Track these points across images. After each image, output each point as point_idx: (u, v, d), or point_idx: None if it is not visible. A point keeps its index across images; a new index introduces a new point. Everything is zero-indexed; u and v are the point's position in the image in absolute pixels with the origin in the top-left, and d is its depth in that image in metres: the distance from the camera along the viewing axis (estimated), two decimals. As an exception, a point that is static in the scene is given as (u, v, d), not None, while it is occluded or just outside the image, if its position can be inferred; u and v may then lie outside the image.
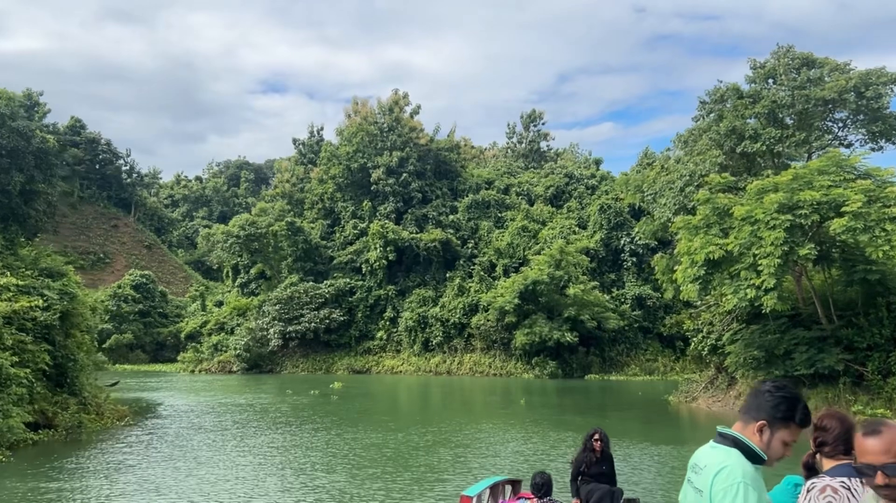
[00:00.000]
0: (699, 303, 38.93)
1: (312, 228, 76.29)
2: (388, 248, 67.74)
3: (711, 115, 32.44)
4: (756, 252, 24.01)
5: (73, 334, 26.19)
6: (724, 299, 26.13)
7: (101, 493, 14.20)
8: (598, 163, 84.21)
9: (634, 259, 62.96)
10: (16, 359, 21.46)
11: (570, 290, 55.60)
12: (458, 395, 44.15)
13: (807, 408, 2.98)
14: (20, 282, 23.98)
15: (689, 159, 31.44)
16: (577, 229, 67.44)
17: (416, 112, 79.34)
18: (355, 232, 73.65)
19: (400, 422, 26.82)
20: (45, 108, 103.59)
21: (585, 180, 74.62)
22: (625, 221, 64.73)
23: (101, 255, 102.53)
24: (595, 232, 65.37)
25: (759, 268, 23.84)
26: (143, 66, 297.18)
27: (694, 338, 32.99)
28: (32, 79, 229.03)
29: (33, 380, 22.07)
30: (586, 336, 57.09)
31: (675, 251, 29.35)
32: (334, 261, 73.12)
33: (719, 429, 3.06)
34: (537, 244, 65.66)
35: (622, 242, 63.79)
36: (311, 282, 69.58)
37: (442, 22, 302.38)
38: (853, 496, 3.12)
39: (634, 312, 60.38)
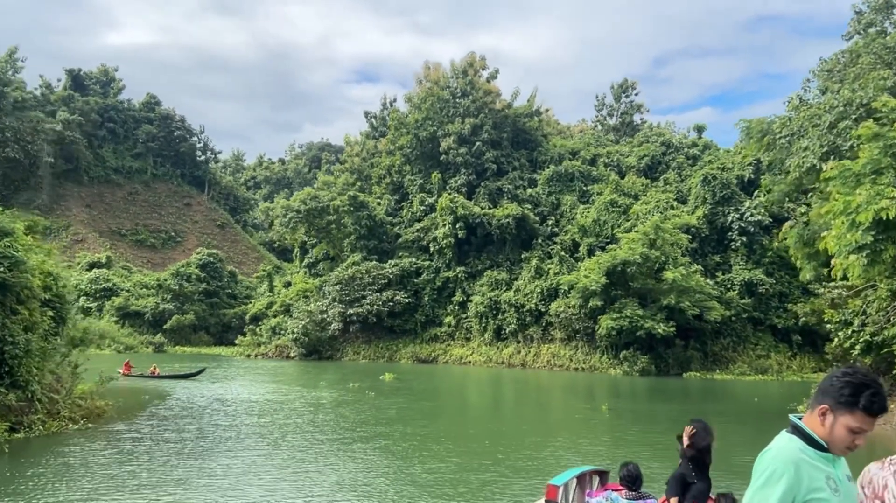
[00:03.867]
0: (822, 288, 30.22)
1: (379, 204, 70.36)
2: (457, 225, 60.81)
3: (871, 29, 23.59)
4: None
5: (18, 310, 20.60)
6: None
7: None
8: (700, 130, 73.53)
9: (744, 238, 53.42)
10: None
11: (668, 274, 47.03)
12: (530, 396, 36.83)
13: (876, 395, 2.75)
14: (-66, 241, 18.49)
15: (840, 87, 22.74)
16: (675, 204, 58.26)
17: (493, 77, 71.75)
18: (423, 207, 67.08)
19: (429, 437, 19.85)
20: (119, 84, 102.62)
21: (686, 149, 65.02)
22: (733, 195, 55.24)
23: (173, 234, 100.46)
24: (697, 207, 56.15)
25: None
26: (243, 56, 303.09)
27: (839, 333, 24.38)
28: (140, 71, 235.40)
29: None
30: (685, 327, 48.47)
31: (821, 211, 20.96)
32: (400, 240, 66.90)
33: (790, 416, 3.00)
34: (628, 221, 57.08)
35: (730, 219, 54.29)
36: (374, 262, 63.63)
37: (534, 6, 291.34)
38: None
39: (743, 301, 51.15)
